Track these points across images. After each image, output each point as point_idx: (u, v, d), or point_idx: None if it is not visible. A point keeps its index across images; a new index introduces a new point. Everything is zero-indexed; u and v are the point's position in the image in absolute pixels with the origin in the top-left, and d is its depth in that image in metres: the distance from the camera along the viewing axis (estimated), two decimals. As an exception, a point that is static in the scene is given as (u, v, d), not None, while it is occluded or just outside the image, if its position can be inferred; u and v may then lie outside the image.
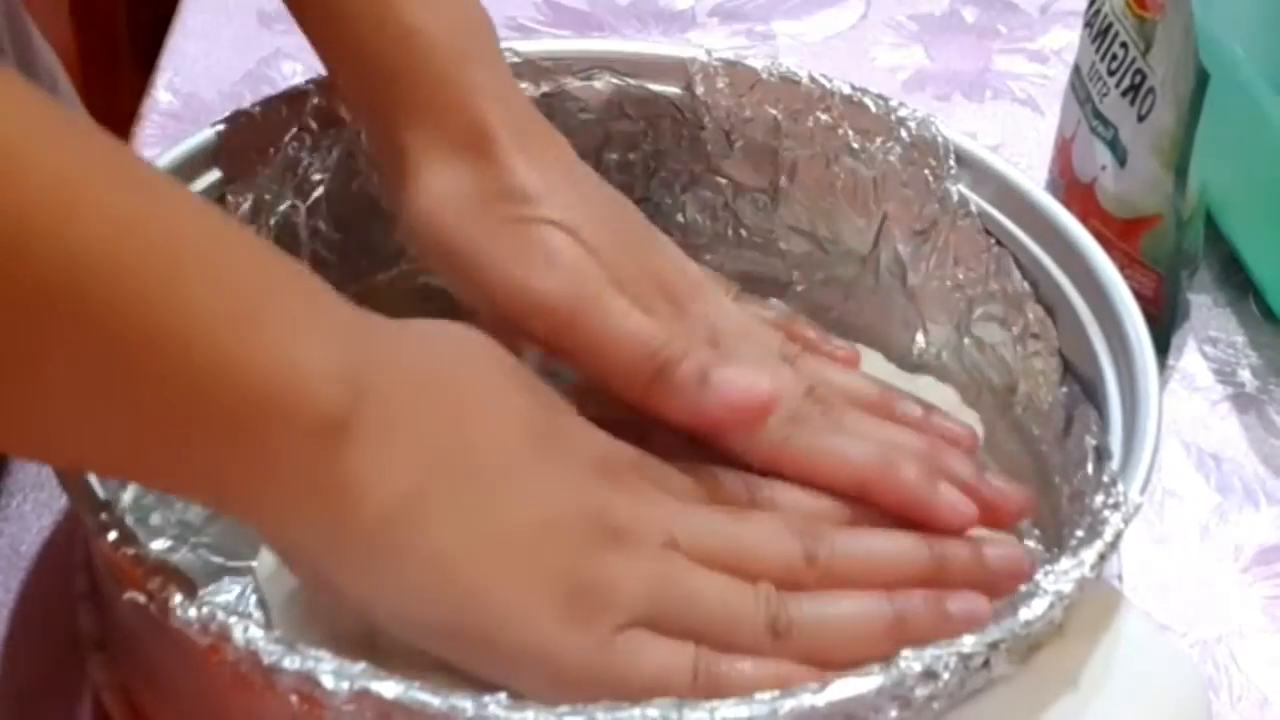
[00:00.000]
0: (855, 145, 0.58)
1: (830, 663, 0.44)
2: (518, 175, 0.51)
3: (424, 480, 0.43)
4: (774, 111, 0.59)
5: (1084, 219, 0.63)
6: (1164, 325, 0.63)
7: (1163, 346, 0.64)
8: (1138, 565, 0.57)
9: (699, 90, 0.59)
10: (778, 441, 0.49)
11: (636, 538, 0.45)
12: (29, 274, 0.37)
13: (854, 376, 0.54)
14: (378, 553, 0.42)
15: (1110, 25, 0.62)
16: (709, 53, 0.59)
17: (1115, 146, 0.62)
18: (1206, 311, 0.66)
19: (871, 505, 0.49)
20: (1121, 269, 0.62)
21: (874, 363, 0.58)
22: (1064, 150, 0.65)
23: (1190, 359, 0.64)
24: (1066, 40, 0.75)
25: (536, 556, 0.44)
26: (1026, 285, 0.54)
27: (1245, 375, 0.64)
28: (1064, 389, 0.52)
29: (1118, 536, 0.46)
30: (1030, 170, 0.69)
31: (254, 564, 0.51)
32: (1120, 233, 0.63)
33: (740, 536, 0.47)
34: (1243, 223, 0.67)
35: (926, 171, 0.57)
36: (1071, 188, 0.64)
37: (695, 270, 0.54)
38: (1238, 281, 0.67)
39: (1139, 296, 0.62)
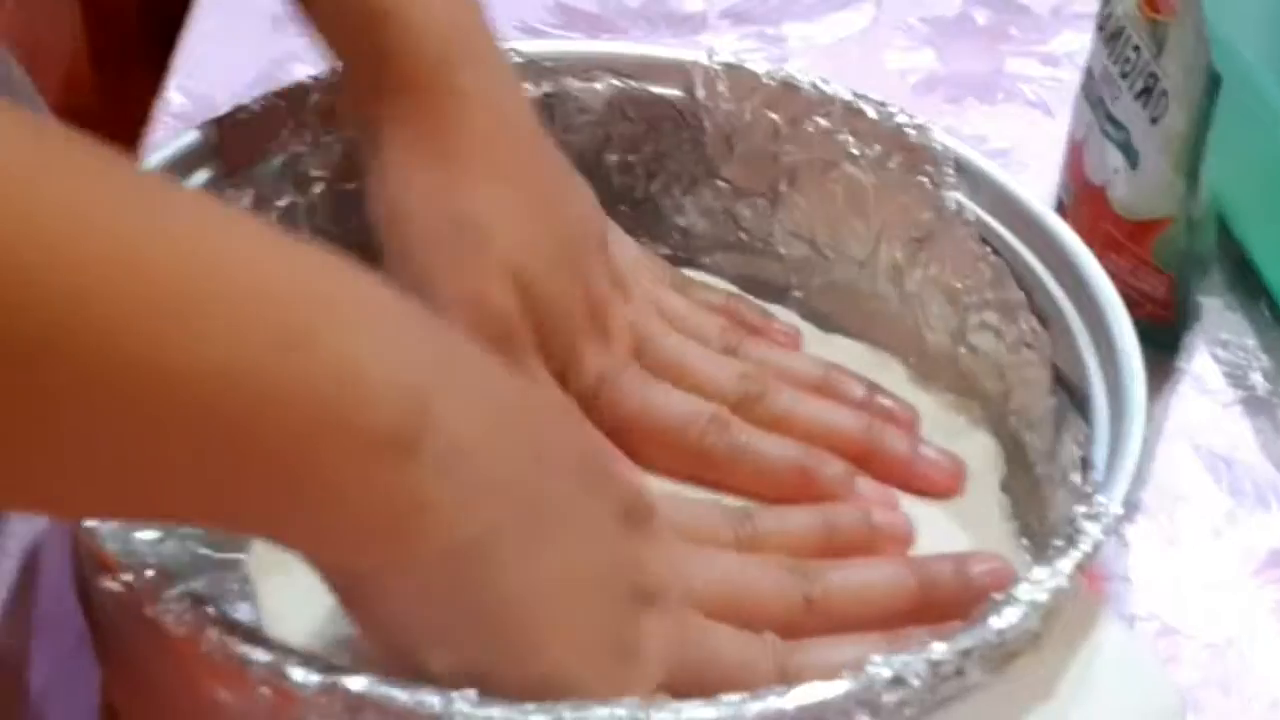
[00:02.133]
0: (854, 151, 0.58)
1: None
2: (473, 202, 0.51)
3: (497, 516, 0.40)
4: (774, 116, 0.59)
5: (1096, 222, 0.63)
6: (1175, 328, 0.63)
7: (1174, 349, 0.64)
8: (1148, 567, 0.57)
9: (700, 93, 0.59)
10: (705, 447, 0.51)
11: (663, 597, 0.45)
12: (27, 320, 0.33)
13: (796, 359, 0.56)
14: (444, 585, 0.40)
15: (1122, 28, 0.62)
16: (710, 56, 0.59)
17: (1127, 149, 0.62)
18: (1218, 314, 0.66)
19: None
20: (1133, 272, 0.63)
21: (893, 370, 0.58)
22: (1076, 153, 0.65)
23: (1201, 362, 0.64)
24: (1078, 43, 0.75)
25: (591, 613, 0.43)
26: (1021, 295, 0.54)
27: (1257, 378, 0.64)
28: (1054, 399, 0.52)
29: (1096, 548, 0.46)
30: (1042, 173, 0.69)
31: (242, 557, 0.51)
32: (1132, 235, 0.62)
33: (747, 584, 0.47)
34: (1254, 225, 0.66)
35: (924, 179, 0.57)
36: (1083, 190, 0.64)
37: (633, 261, 0.55)
38: (1249, 284, 0.66)
39: (1150, 299, 0.63)
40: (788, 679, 0.44)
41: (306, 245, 0.40)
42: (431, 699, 0.40)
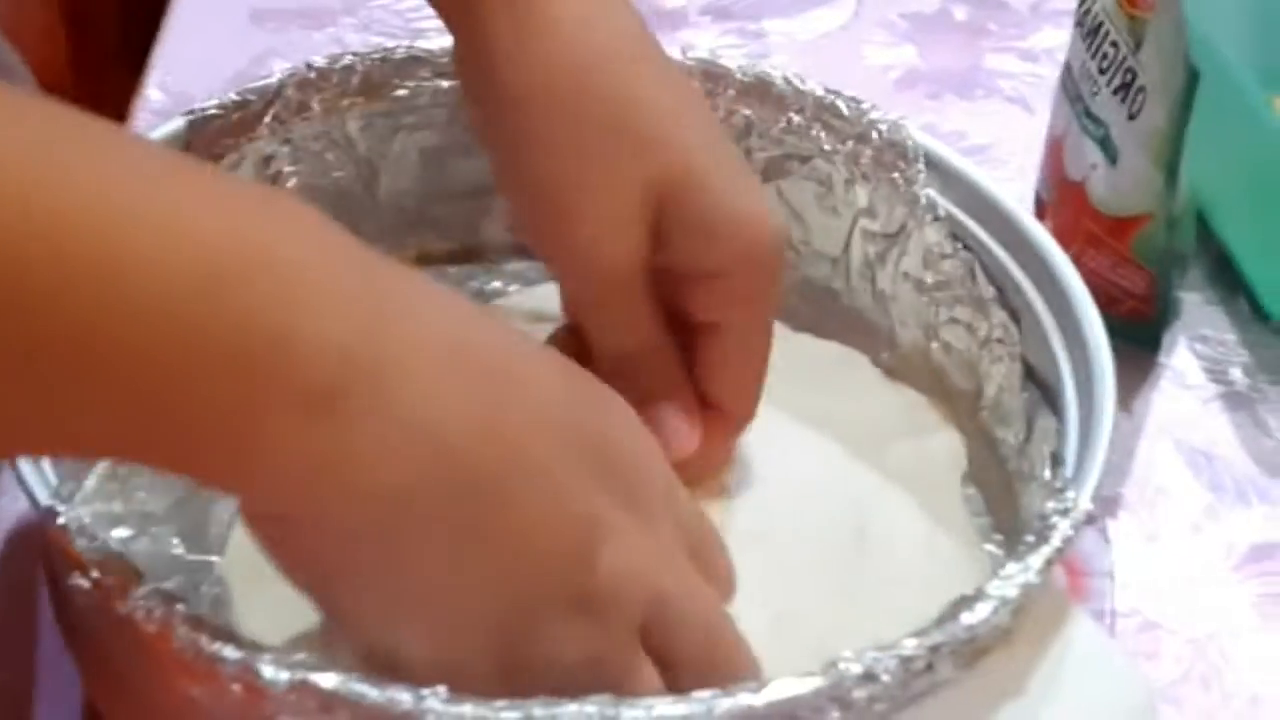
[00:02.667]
0: (827, 147, 0.58)
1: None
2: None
3: (422, 471, 0.39)
4: (747, 112, 0.59)
5: (1075, 218, 0.63)
6: (1155, 323, 0.63)
7: (1154, 345, 0.64)
8: (1129, 563, 0.57)
9: (673, 89, 0.59)
10: None
11: (604, 612, 0.42)
12: None
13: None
14: (355, 535, 0.40)
15: (1101, 24, 0.62)
16: (684, 52, 0.59)
17: (1106, 145, 0.62)
18: (1197, 310, 0.66)
19: None
20: (1113, 268, 0.63)
21: (860, 367, 0.58)
22: (1055, 149, 0.65)
23: (1181, 357, 0.64)
24: (1057, 39, 0.75)
25: (499, 607, 0.41)
26: (992, 290, 0.55)
27: (1236, 373, 0.64)
28: (1025, 395, 0.53)
29: (1066, 543, 0.46)
30: (1021, 170, 0.69)
31: (216, 559, 0.51)
32: (1111, 231, 0.62)
33: (728, 646, 0.45)
34: (1233, 221, 0.66)
35: (897, 175, 0.57)
36: (1063, 187, 0.64)
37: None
38: (1228, 280, 0.66)
39: (1130, 295, 0.63)
40: None
41: (251, 188, 0.40)
42: (402, 696, 0.40)
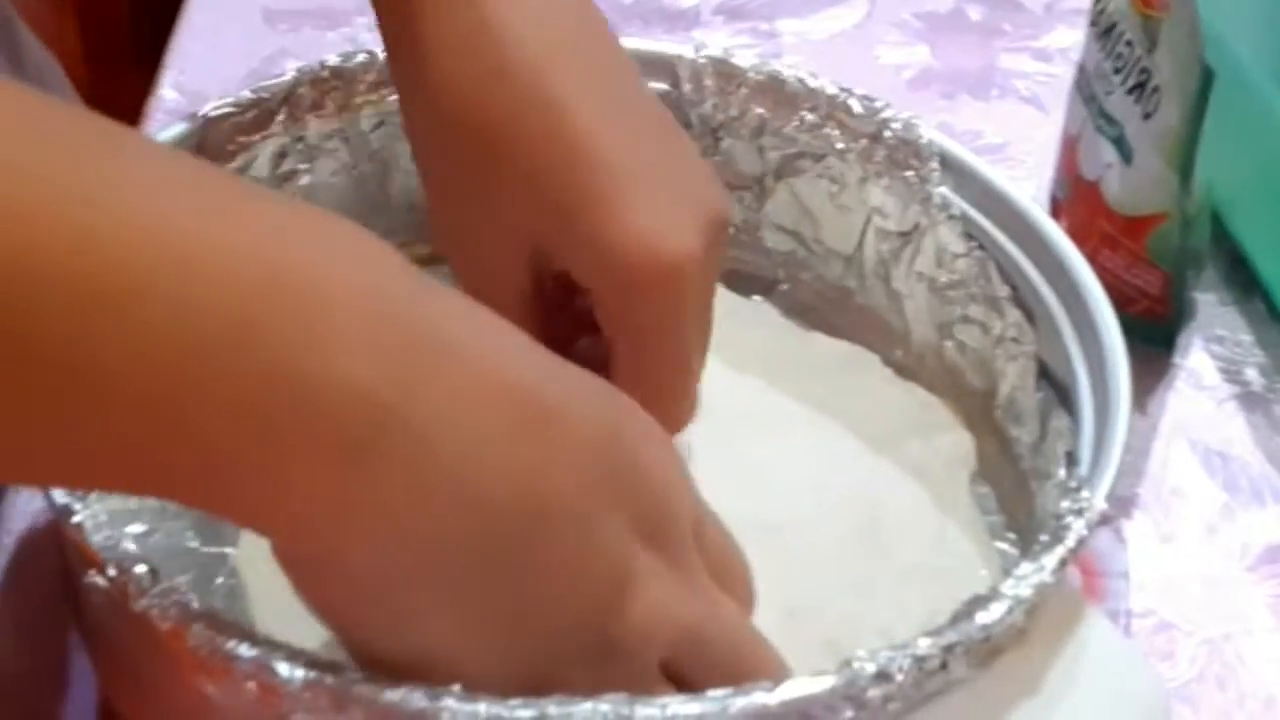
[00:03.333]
0: (840, 145, 0.58)
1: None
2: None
3: (448, 531, 0.38)
4: (760, 110, 0.59)
5: (1090, 218, 0.63)
6: (1170, 324, 0.63)
7: (1169, 345, 0.64)
8: (1144, 563, 0.57)
9: (686, 88, 0.59)
10: None
11: (629, 659, 0.41)
12: None
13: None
14: (379, 580, 0.39)
15: (1115, 24, 0.62)
16: (697, 50, 0.59)
17: (1121, 145, 0.62)
18: (1213, 310, 0.66)
19: None
20: (1128, 268, 0.62)
21: (871, 368, 0.58)
22: (1069, 149, 0.65)
23: (1197, 357, 0.64)
24: (1071, 39, 0.75)
25: (520, 654, 0.40)
26: (1006, 289, 0.55)
27: (1252, 374, 0.64)
28: (1039, 394, 0.52)
29: (1080, 542, 0.46)
30: (1036, 169, 0.69)
31: (230, 551, 0.51)
32: (1126, 231, 0.62)
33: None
34: (1249, 221, 0.66)
35: (910, 173, 0.57)
36: (1077, 186, 0.64)
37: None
38: (1244, 280, 0.66)
39: (1145, 295, 0.63)
40: None
41: (288, 207, 0.38)
42: (417, 694, 0.40)
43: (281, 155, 0.57)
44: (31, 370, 0.35)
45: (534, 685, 0.40)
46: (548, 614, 0.40)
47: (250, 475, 0.37)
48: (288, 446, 0.36)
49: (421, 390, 0.37)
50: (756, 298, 0.60)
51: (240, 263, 0.36)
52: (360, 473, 0.37)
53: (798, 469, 0.54)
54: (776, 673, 0.44)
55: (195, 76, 0.72)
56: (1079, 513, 0.46)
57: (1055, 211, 0.65)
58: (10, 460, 0.37)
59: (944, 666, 0.43)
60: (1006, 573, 0.50)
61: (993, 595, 0.44)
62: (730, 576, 0.45)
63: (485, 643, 0.40)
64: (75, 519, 0.44)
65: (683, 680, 0.43)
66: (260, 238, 0.37)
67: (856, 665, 0.42)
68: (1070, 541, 0.45)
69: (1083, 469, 0.48)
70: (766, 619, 0.46)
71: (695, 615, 0.42)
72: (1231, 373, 0.64)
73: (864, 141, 0.57)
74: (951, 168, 0.57)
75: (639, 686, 0.41)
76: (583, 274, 0.48)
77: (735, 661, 0.44)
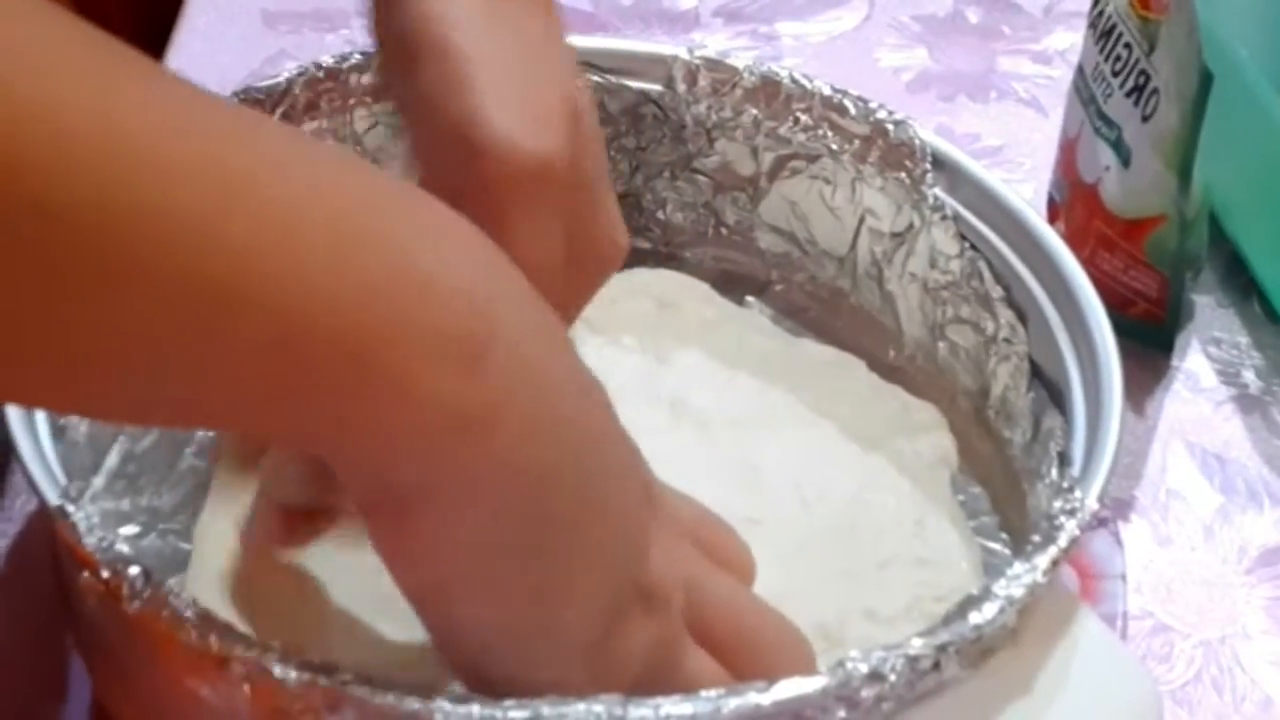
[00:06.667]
0: (834, 146, 0.58)
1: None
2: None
3: (556, 454, 0.39)
4: (754, 111, 0.59)
5: (1088, 220, 0.63)
6: (1168, 326, 0.63)
7: (1167, 347, 0.64)
8: (1142, 565, 0.57)
9: (680, 88, 0.59)
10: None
11: (662, 604, 0.43)
12: (79, 221, 0.34)
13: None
14: (490, 512, 0.39)
15: (1114, 26, 0.61)
16: (691, 51, 0.60)
17: (1119, 147, 0.62)
18: (1210, 312, 0.66)
19: None
20: (1126, 270, 0.62)
21: (856, 372, 0.58)
22: (1068, 151, 0.65)
23: (1194, 360, 0.64)
24: (1070, 41, 0.75)
25: (602, 595, 0.41)
26: (999, 289, 0.55)
27: (1249, 376, 0.64)
28: (1032, 394, 0.53)
29: (1072, 543, 0.46)
30: (1034, 171, 0.69)
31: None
32: (1124, 233, 0.62)
33: (755, 627, 0.46)
34: (1247, 223, 0.66)
35: (904, 174, 0.57)
36: (1075, 188, 0.64)
37: None
38: (1241, 282, 0.66)
39: (1143, 297, 0.62)
40: None
41: (356, 159, 0.40)
42: (411, 696, 0.40)
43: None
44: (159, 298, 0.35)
45: (599, 647, 0.41)
46: (609, 559, 0.41)
47: (367, 378, 0.37)
48: (403, 337, 0.37)
49: (511, 309, 0.39)
50: (749, 299, 0.60)
51: (337, 190, 0.38)
52: (479, 385, 0.38)
53: (782, 467, 0.54)
54: (775, 624, 0.45)
55: (195, 77, 0.71)
56: (1071, 513, 0.46)
57: (1053, 214, 0.65)
58: (143, 388, 0.37)
59: (936, 666, 0.43)
60: (987, 566, 0.51)
61: (985, 595, 0.44)
62: (717, 541, 0.46)
63: (566, 595, 0.41)
64: (69, 520, 0.44)
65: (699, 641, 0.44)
66: (352, 177, 0.38)
67: (849, 665, 0.42)
68: (1062, 541, 0.45)
69: (1075, 469, 0.48)
70: None
71: (695, 570, 0.44)
72: (1229, 375, 0.64)
73: (857, 142, 0.58)
74: (945, 169, 0.57)
75: (677, 636, 0.43)
76: (430, 162, 0.47)
77: (736, 616, 0.45)
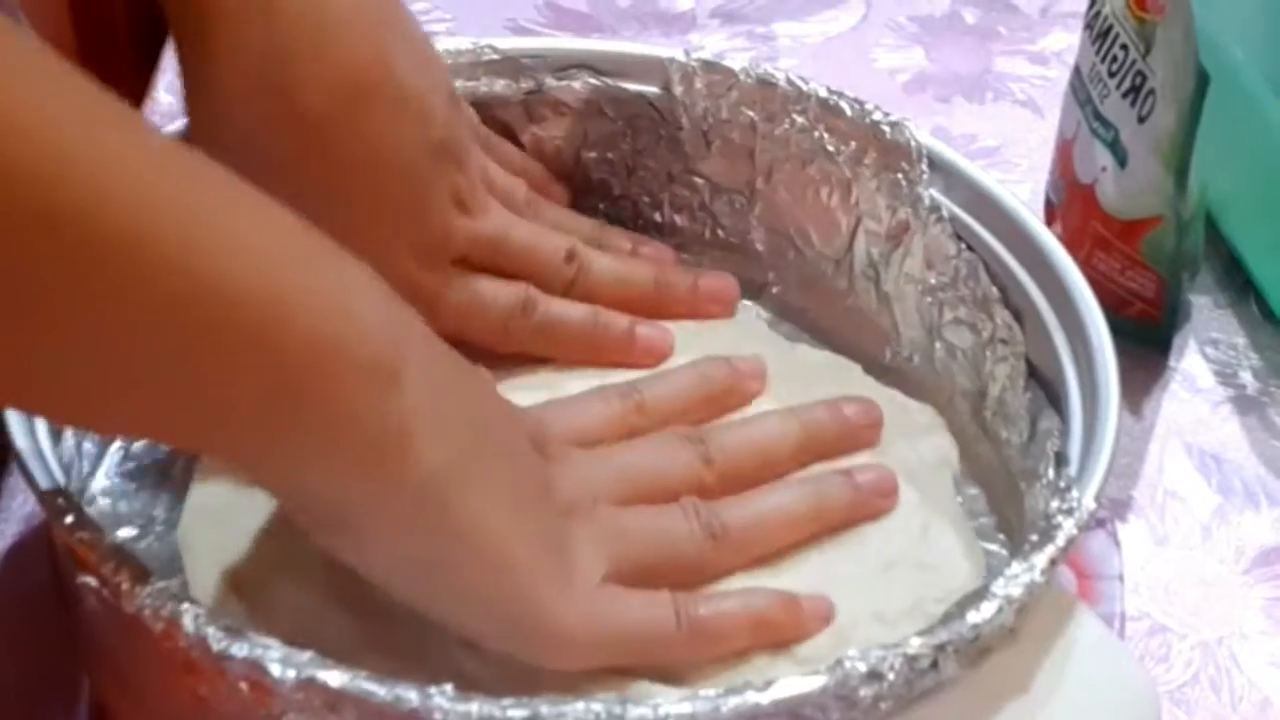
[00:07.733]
0: (830, 148, 0.58)
1: (768, 554, 0.49)
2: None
3: (459, 447, 0.44)
4: (751, 113, 0.59)
5: (1085, 221, 0.63)
6: (1165, 327, 0.63)
7: (1164, 348, 0.64)
8: (1139, 566, 0.57)
9: (677, 90, 0.60)
10: (513, 330, 0.56)
11: (577, 506, 0.47)
12: (64, 225, 0.37)
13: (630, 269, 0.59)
14: (422, 509, 0.43)
15: (1111, 27, 0.62)
16: (687, 53, 0.60)
17: (1116, 148, 0.62)
18: (1207, 313, 0.66)
19: None
20: (1122, 271, 0.63)
21: (852, 375, 0.58)
22: (1064, 152, 0.65)
23: (1191, 360, 0.64)
24: (1067, 42, 0.75)
25: (535, 525, 0.46)
26: (995, 290, 0.55)
27: (1246, 377, 0.64)
28: (1028, 395, 0.53)
29: (1070, 542, 0.46)
30: (1031, 172, 0.69)
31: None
32: (1121, 234, 0.62)
33: (647, 465, 0.50)
34: (1243, 224, 0.66)
35: (900, 175, 0.57)
36: (1072, 189, 0.64)
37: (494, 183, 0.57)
38: (1239, 283, 0.66)
39: (1140, 298, 0.63)
40: (714, 535, 0.48)
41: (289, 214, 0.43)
42: (409, 694, 0.40)
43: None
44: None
45: (562, 560, 0.45)
46: (539, 502, 0.46)
47: (306, 404, 0.41)
48: (340, 370, 0.41)
49: (412, 334, 0.44)
50: (746, 302, 0.60)
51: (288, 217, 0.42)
52: (393, 397, 0.42)
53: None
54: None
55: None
56: (1069, 512, 0.46)
57: (1050, 215, 0.65)
58: (92, 400, 0.40)
59: (935, 666, 0.43)
60: (991, 568, 0.51)
61: (983, 594, 0.44)
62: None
63: (512, 547, 0.44)
64: (67, 521, 0.44)
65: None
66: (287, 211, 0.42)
67: (848, 664, 0.42)
68: (1060, 541, 0.46)
69: (1072, 469, 0.48)
70: None
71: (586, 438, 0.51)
72: (1226, 376, 0.64)
73: (853, 144, 0.58)
74: (941, 170, 0.57)
75: (610, 527, 0.47)
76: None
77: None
